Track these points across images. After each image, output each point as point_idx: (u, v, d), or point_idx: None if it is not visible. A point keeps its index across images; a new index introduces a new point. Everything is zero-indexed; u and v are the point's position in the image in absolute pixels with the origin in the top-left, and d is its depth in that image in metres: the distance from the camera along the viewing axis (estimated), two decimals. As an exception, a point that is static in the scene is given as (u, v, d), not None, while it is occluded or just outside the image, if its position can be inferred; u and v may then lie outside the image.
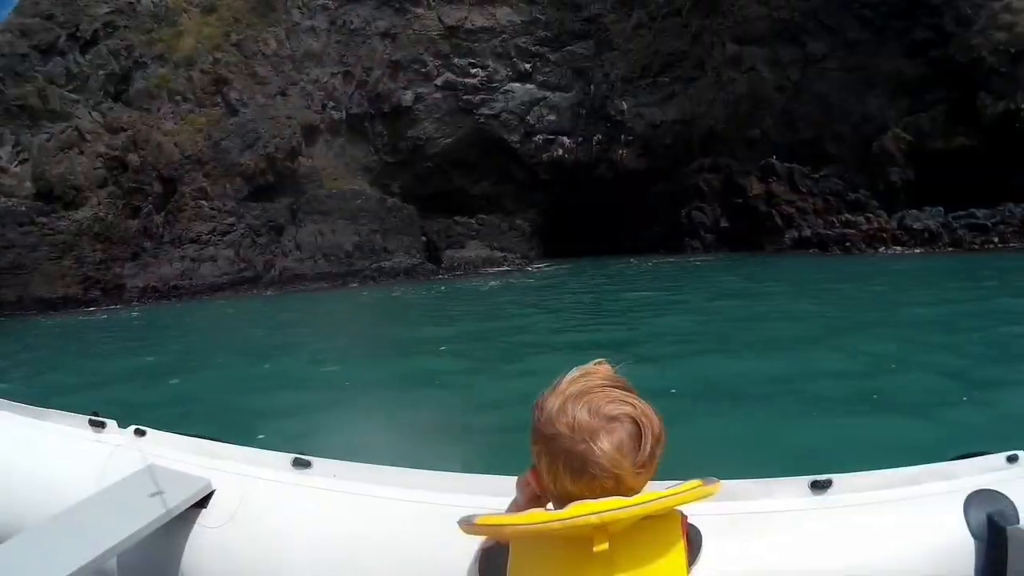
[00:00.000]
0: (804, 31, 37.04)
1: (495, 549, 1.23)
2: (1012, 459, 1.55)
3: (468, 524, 1.10)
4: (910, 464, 1.57)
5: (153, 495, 1.65)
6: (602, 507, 1.01)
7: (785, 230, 34.51)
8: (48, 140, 38.90)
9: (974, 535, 1.38)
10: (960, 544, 1.39)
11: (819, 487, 1.51)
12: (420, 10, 42.81)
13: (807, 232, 33.31)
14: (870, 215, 31.57)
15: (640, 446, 1.07)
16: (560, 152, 44.20)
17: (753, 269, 26.55)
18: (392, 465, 1.72)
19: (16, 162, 38.72)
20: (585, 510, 1.01)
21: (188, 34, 41.08)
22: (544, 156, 44.01)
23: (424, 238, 41.77)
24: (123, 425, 1.99)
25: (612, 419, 1.07)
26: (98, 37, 40.73)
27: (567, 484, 1.08)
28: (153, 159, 38.69)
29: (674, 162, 42.03)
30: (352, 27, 41.99)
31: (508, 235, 43.51)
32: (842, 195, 33.72)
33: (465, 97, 42.95)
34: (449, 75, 42.76)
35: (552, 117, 44.31)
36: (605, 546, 1.02)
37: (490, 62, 43.40)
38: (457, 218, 42.82)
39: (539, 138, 43.97)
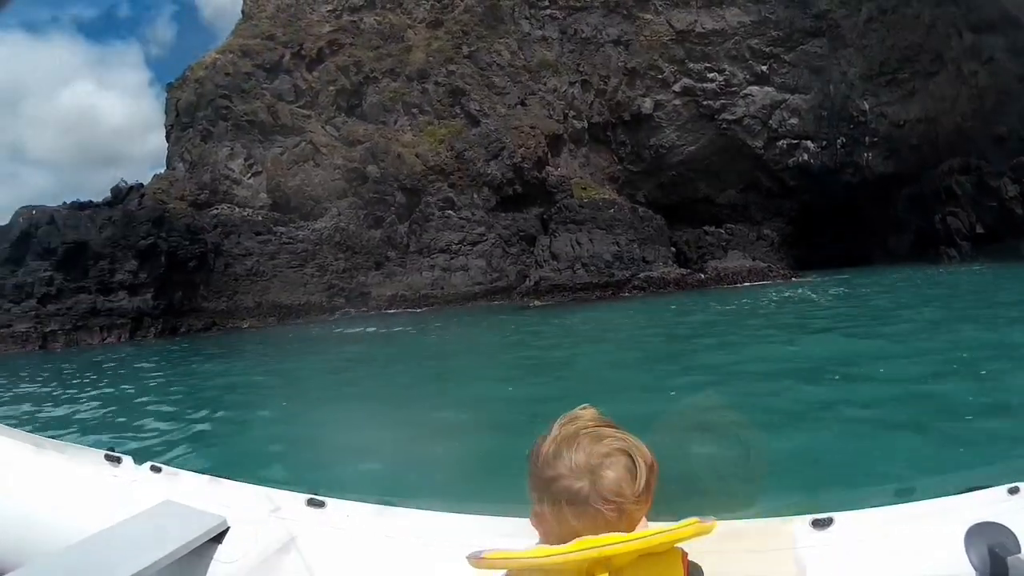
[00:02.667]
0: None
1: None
2: (1013, 491, 1.47)
3: (477, 558, 1.09)
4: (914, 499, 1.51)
5: (167, 531, 1.62)
6: (603, 542, 1.02)
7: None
8: (281, 154, 35.86)
9: (975, 568, 1.34)
10: None
11: (821, 525, 1.46)
12: (648, 16, 40.10)
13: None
14: None
15: (636, 478, 1.08)
16: (805, 157, 39.99)
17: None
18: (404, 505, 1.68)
19: (249, 174, 35.61)
20: (587, 544, 1.02)
21: (417, 48, 38.62)
22: (789, 161, 39.80)
23: (674, 248, 37.11)
24: (139, 461, 1.91)
25: (607, 455, 1.09)
26: (323, 55, 38.48)
27: (571, 521, 1.08)
28: (394, 170, 35.24)
29: (920, 164, 37.62)
30: (583, 35, 39.26)
31: (756, 245, 38.65)
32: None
33: (705, 103, 39.41)
34: (686, 80, 39.43)
35: (794, 120, 40.41)
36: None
37: (726, 65, 40.10)
38: (707, 228, 38.23)
39: (783, 143, 39.93)
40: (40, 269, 48.12)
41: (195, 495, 1.80)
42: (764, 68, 40.58)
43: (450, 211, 34.39)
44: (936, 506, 1.49)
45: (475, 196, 34.70)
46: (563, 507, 1.08)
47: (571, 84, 38.03)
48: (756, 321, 17.40)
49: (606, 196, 36.33)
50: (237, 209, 34.48)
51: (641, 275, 33.72)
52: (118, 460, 1.93)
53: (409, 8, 38.60)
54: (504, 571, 1.11)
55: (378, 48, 38.57)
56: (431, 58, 38.20)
